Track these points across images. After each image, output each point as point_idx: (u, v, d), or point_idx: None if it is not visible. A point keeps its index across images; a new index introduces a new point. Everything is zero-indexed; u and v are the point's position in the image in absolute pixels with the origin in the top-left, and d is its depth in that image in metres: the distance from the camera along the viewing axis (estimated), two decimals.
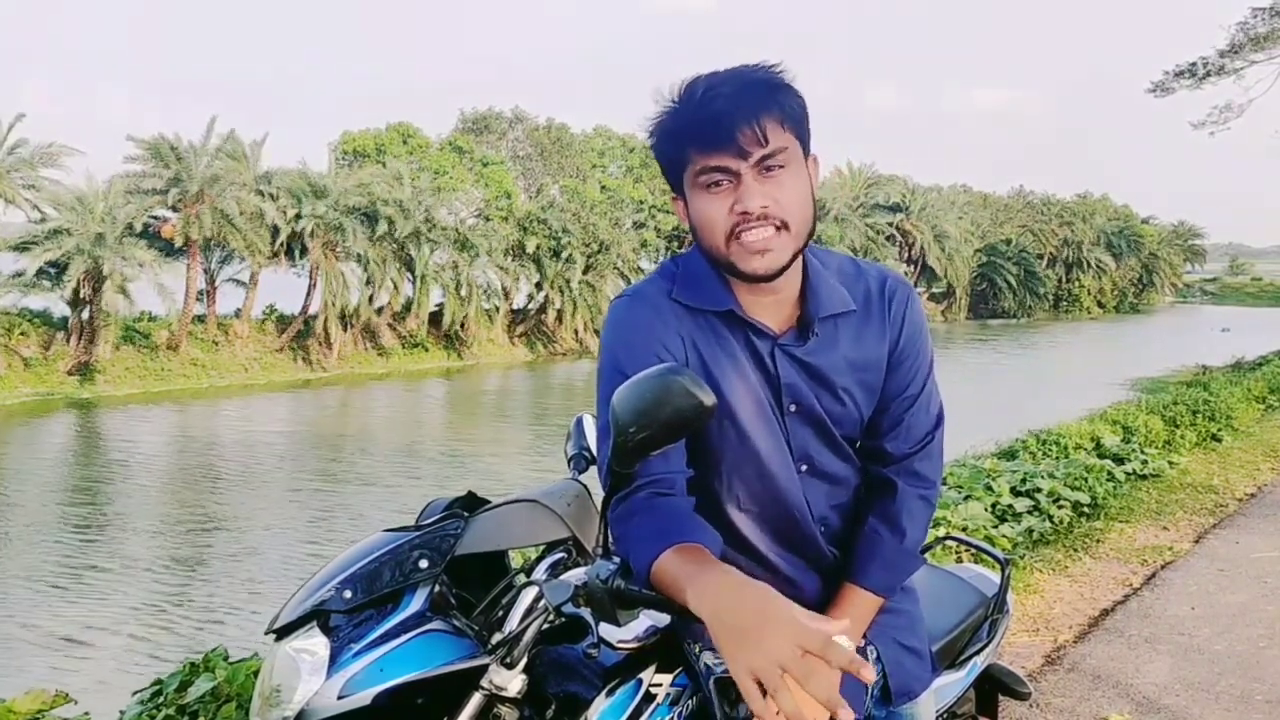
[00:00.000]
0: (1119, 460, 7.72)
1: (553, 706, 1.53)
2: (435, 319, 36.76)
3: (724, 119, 1.31)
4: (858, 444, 1.59)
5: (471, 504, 1.73)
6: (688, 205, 1.41)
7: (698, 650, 1.57)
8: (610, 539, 1.43)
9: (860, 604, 1.53)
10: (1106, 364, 37.26)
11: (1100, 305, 70.91)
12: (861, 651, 1.57)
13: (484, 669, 1.49)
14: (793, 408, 1.48)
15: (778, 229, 1.35)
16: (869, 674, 1.03)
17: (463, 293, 36.32)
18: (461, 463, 21.16)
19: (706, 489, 1.51)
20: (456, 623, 1.57)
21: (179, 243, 30.46)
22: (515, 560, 1.95)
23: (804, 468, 1.52)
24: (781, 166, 1.34)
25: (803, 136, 1.38)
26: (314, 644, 1.49)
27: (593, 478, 1.80)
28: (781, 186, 1.35)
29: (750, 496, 1.51)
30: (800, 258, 1.43)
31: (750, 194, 1.33)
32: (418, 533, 1.60)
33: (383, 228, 32.84)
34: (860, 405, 1.51)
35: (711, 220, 1.37)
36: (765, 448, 1.48)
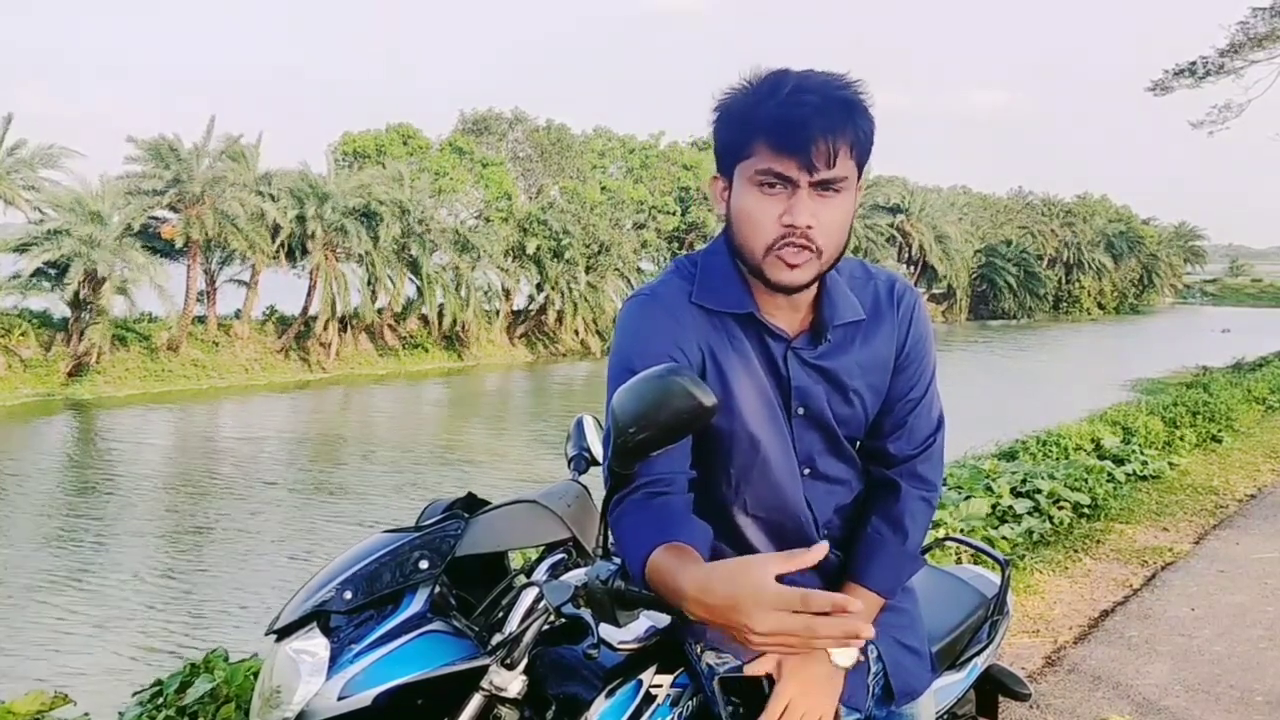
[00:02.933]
0: (1119, 461, 7.72)
1: (553, 707, 1.53)
2: (431, 319, 36.75)
3: (806, 127, 1.30)
4: (858, 446, 1.60)
5: (471, 505, 1.73)
6: (731, 192, 1.40)
7: (699, 650, 1.57)
8: (610, 539, 1.43)
9: (862, 605, 1.53)
10: (1105, 366, 37.25)
11: (1100, 306, 70.91)
12: (863, 651, 1.58)
13: (484, 670, 1.49)
14: (800, 411, 1.49)
15: (812, 250, 1.35)
16: (855, 604, 1.09)
17: (463, 294, 36.33)
18: (445, 470, 20.84)
19: (713, 491, 1.52)
20: (457, 624, 1.57)
21: (179, 243, 30.47)
22: (515, 561, 1.95)
23: (807, 471, 1.53)
24: (837, 192, 1.35)
25: (862, 163, 1.38)
26: (314, 645, 1.49)
27: (592, 478, 1.80)
28: (831, 210, 1.35)
29: (755, 499, 1.52)
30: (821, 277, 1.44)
31: (801, 208, 1.33)
32: (418, 534, 1.60)
33: (383, 229, 32.85)
34: (867, 407, 1.53)
35: (757, 221, 1.37)
36: (773, 450, 1.48)
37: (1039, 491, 6.27)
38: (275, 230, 31.45)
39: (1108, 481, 7.02)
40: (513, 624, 1.51)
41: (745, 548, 1.55)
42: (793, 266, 1.36)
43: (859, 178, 1.39)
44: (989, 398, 24.99)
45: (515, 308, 40.38)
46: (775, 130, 1.32)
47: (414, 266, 34.78)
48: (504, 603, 1.61)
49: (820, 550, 1.12)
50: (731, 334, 1.46)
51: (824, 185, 1.33)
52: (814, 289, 1.46)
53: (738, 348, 1.46)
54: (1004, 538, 5.54)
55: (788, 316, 1.47)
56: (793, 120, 1.31)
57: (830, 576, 1.58)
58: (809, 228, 1.33)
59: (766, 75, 1.36)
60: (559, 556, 1.70)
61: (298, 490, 19.69)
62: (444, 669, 1.49)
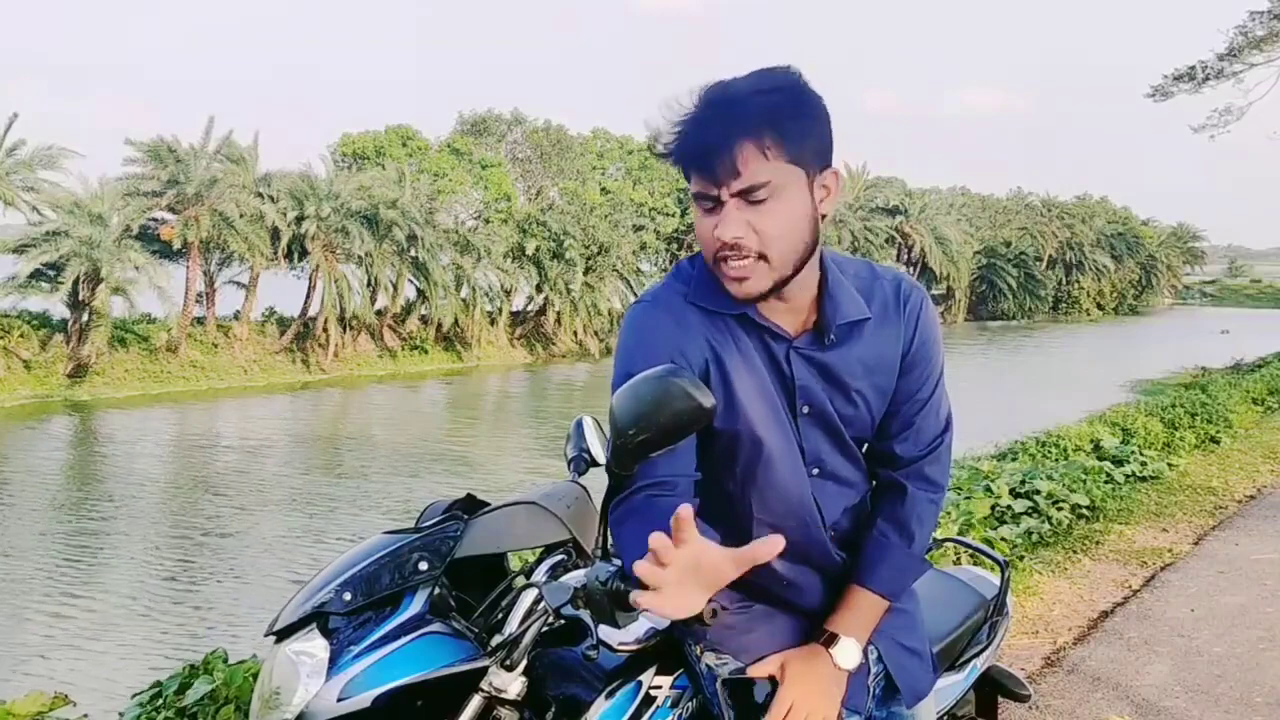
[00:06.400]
0: (1118, 462, 7.71)
1: (552, 709, 1.53)
2: (433, 320, 36.75)
3: (707, 147, 1.30)
4: (864, 447, 1.60)
5: (471, 506, 1.73)
6: None
7: (699, 652, 1.57)
8: (610, 541, 1.43)
9: (867, 607, 1.54)
10: (1104, 367, 37.16)
11: (1100, 307, 70.91)
12: (864, 652, 1.58)
13: (484, 671, 1.49)
14: (805, 410, 1.49)
15: (755, 259, 1.34)
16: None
17: (464, 295, 36.35)
18: (437, 481, 20.45)
19: (720, 494, 1.52)
20: (456, 625, 1.57)
21: (178, 245, 30.47)
22: (514, 563, 1.95)
23: (815, 471, 1.52)
24: (763, 199, 1.32)
25: (804, 159, 1.33)
26: (314, 646, 1.49)
27: (592, 479, 1.80)
28: (764, 217, 1.32)
29: (761, 500, 1.51)
30: (816, 266, 1.43)
31: (728, 223, 1.32)
32: (417, 535, 1.60)
33: (384, 231, 32.86)
34: (872, 407, 1.52)
35: (703, 241, 1.38)
36: (778, 451, 1.48)
37: (1038, 492, 6.26)
38: (275, 232, 31.45)
39: (1106, 482, 7.02)
40: (512, 625, 1.51)
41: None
42: (740, 279, 1.35)
43: (823, 166, 1.36)
44: (984, 402, 24.72)
45: (514, 309, 40.39)
46: (686, 153, 1.33)
47: (416, 267, 34.78)
48: (503, 604, 1.61)
49: (776, 543, 1.11)
50: (735, 334, 1.45)
51: (746, 195, 1.31)
52: (812, 288, 1.45)
53: (741, 348, 1.45)
54: (1003, 539, 5.53)
55: (789, 316, 1.46)
56: (694, 139, 1.31)
57: (836, 578, 1.58)
58: (739, 238, 1.32)
59: (695, 95, 1.35)
60: (558, 558, 1.70)
61: (282, 501, 19.26)
62: (443, 670, 1.49)
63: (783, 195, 1.33)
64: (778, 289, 1.38)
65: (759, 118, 1.30)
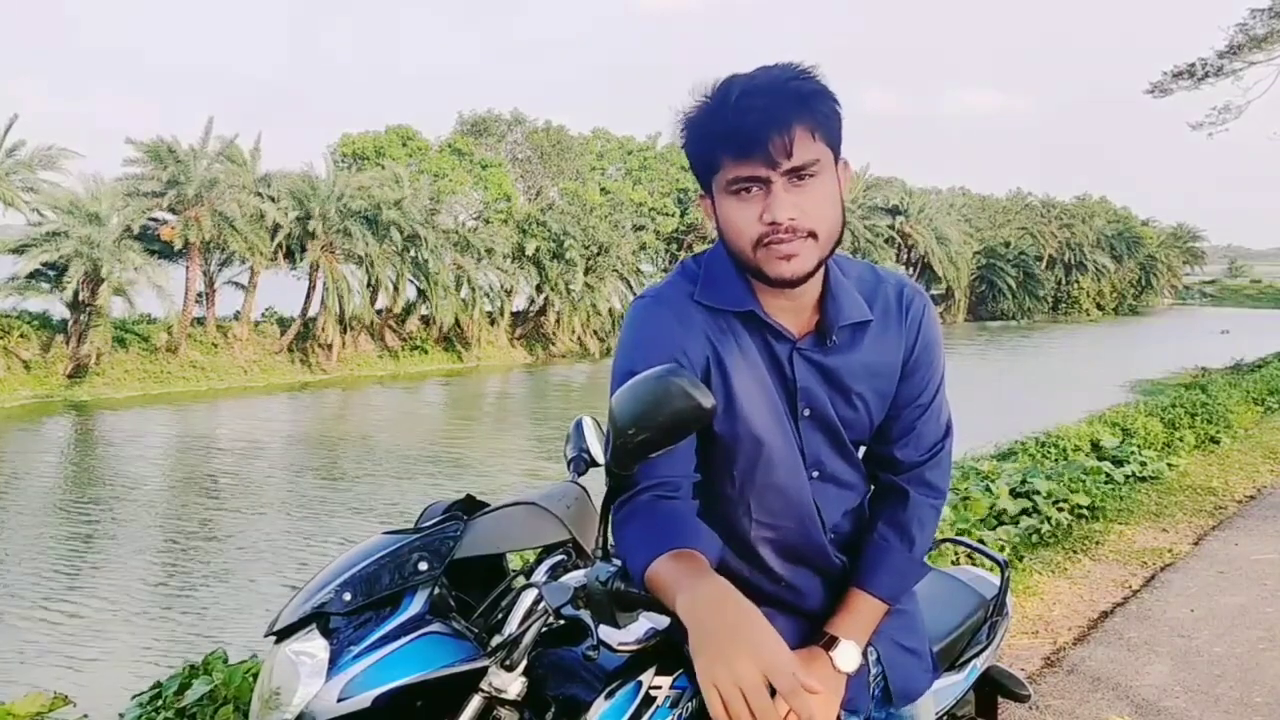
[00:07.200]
0: (1118, 462, 7.71)
1: (552, 709, 1.53)
2: (434, 321, 36.75)
3: (757, 129, 1.31)
4: (866, 453, 1.60)
5: (470, 507, 1.73)
6: (715, 206, 1.41)
7: None
8: (610, 541, 1.43)
9: (867, 610, 1.53)
10: (1103, 367, 37.15)
11: (1099, 307, 70.94)
12: (863, 653, 1.58)
13: (484, 671, 1.49)
14: (806, 412, 1.48)
15: (805, 237, 1.35)
16: None
17: (464, 295, 36.35)
18: (428, 482, 20.33)
19: (718, 496, 1.51)
20: (456, 625, 1.57)
21: (178, 245, 30.48)
22: (514, 563, 1.95)
23: (815, 474, 1.52)
24: (812, 176, 1.34)
25: (834, 143, 1.37)
26: (313, 646, 1.49)
27: (592, 479, 1.80)
28: (811, 196, 1.34)
29: (760, 502, 1.51)
30: (824, 264, 1.43)
31: (779, 204, 1.33)
32: (417, 535, 1.60)
33: (385, 231, 32.86)
34: (872, 411, 1.52)
35: (740, 226, 1.37)
36: (778, 452, 1.48)
37: (1038, 492, 6.26)
38: (275, 232, 31.45)
39: (1106, 483, 7.02)
40: (512, 625, 1.51)
41: (751, 555, 1.54)
42: (789, 257, 1.35)
43: (837, 158, 1.39)
44: (984, 402, 24.55)
45: (514, 309, 40.40)
46: (732, 139, 1.33)
47: (417, 267, 34.79)
48: (503, 604, 1.61)
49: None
50: (737, 334, 1.45)
51: (796, 174, 1.33)
52: (818, 287, 1.45)
53: (742, 347, 1.45)
54: (1002, 539, 5.53)
55: (793, 317, 1.46)
56: (745, 125, 1.31)
57: (836, 581, 1.58)
58: (792, 219, 1.33)
59: (716, 87, 1.36)
60: (558, 558, 1.70)
61: (275, 504, 19.13)
62: (443, 670, 1.49)
63: (823, 175, 1.36)
64: (818, 269, 1.40)
65: (804, 100, 1.33)
